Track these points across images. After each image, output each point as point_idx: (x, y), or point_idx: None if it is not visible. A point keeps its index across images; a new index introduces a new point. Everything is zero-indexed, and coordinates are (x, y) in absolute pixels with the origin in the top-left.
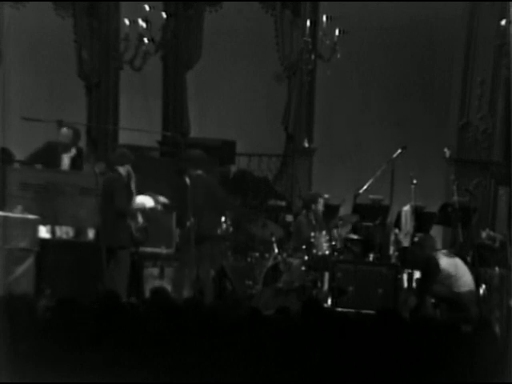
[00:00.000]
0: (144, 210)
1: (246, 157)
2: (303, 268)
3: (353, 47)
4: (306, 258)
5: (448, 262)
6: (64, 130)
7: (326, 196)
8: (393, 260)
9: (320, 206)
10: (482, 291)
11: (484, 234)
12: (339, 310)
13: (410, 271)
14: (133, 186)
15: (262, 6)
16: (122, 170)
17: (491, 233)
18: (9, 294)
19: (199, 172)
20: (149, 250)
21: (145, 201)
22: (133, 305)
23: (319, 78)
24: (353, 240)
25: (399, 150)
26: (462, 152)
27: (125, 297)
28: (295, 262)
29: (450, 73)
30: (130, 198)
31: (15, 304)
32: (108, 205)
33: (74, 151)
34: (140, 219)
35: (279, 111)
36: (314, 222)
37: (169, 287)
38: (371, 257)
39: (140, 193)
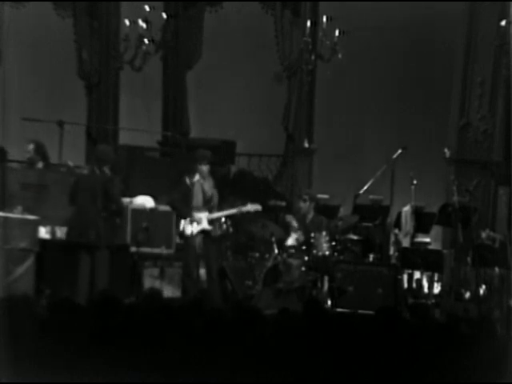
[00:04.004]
0: (145, 211)
1: (246, 157)
2: (303, 268)
3: (353, 47)
4: (306, 258)
5: None
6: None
7: (326, 196)
8: (393, 260)
9: (302, 204)
10: (482, 291)
11: (484, 235)
12: (339, 310)
13: (409, 271)
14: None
15: (262, 6)
16: (106, 169)
17: (491, 233)
18: (9, 294)
19: (104, 168)
20: (149, 250)
21: (145, 201)
22: (131, 305)
23: (319, 78)
24: (353, 240)
25: (399, 151)
26: (462, 152)
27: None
28: (295, 262)
29: (450, 73)
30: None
31: (15, 304)
32: (102, 204)
33: (40, 164)
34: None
35: (279, 111)
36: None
37: (169, 287)
38: (371, 257)
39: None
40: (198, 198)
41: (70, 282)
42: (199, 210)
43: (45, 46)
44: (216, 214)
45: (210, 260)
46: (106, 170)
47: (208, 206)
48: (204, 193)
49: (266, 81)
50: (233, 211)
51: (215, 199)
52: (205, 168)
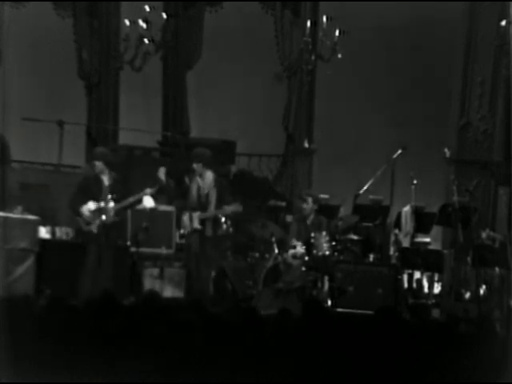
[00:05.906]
0: (145, 211)
1: (246, 157)
2: (303, 268)
3: (353, 47)
4: (306, 258)
5: None
6: None
7: (326, 196)
8: (393, 260)
9: (305, 205)
10: (482, 291)
11: (484, 235)
12: (339, 310)
13: (410, 271)
14: (106, 183)
15: (262, 6)
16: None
17: (491, 233)
18: (9, 294)
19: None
20: (149, 250)
21: (145, 201)
22: (131, 305)
23: (319, 78)
24: (353, 240)
25: (399, 151)
26: (462, 152)
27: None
28: (295, 262)
29: (449, 73)
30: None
31: (15, 304)
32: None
33: None
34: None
35: (279, 111)
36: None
37: (169, 287)
38: (371, 257)
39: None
40: (192, 197)
41: (72, 282)
42: (195, 209)
43: (45, 46)
44: (203, 215)
45: (202, 259)
46: (99, 164)
47: (204, 204)
48: (199, 191)
49: (266, 81)
50: (215, 212)
51: (212, 197)
52: (197, 166)
